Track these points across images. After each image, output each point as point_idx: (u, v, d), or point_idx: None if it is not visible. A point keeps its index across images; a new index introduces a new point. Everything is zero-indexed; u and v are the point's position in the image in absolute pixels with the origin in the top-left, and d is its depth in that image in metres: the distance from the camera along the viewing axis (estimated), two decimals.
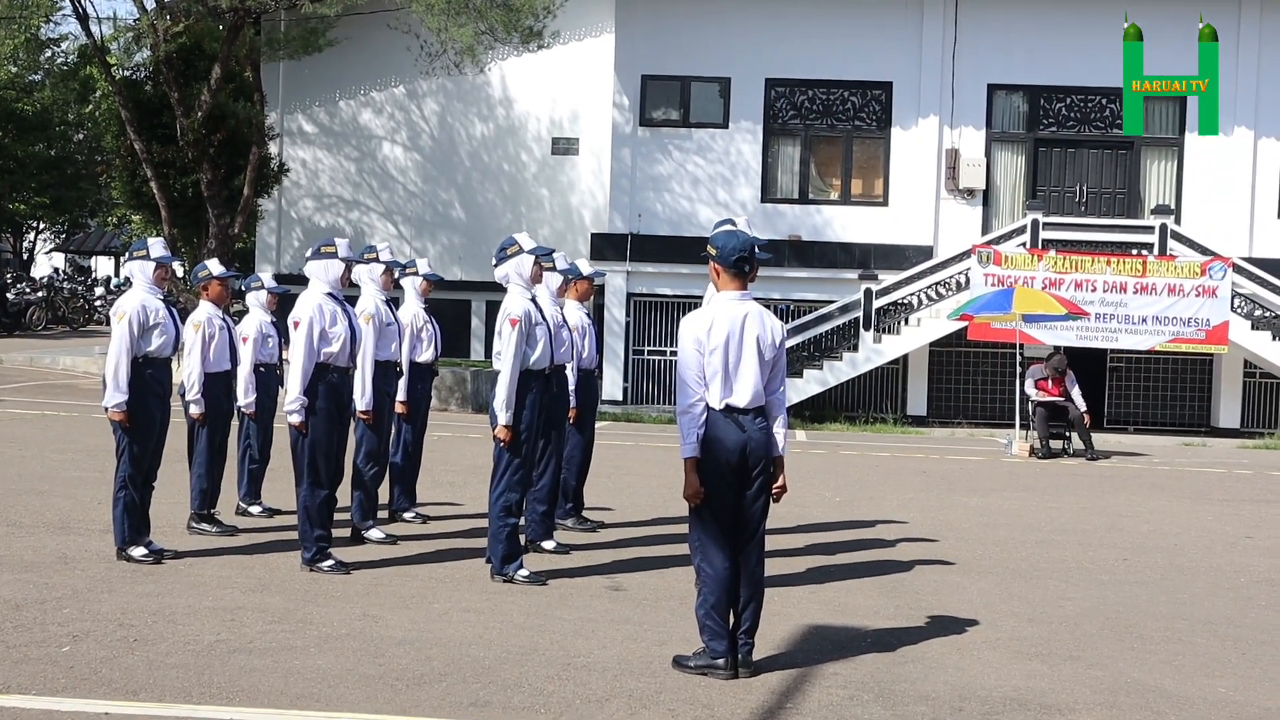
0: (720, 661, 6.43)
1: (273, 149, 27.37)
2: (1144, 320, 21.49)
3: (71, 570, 8.44)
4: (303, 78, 28.37)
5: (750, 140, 25.23)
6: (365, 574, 8.68)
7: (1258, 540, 11.64)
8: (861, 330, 22.68)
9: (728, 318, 6.50)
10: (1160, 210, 23.40)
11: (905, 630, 7.67)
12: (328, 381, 8.70)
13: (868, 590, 8.83)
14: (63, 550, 9.07)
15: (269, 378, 10.88)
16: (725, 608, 6.47)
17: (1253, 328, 22.11)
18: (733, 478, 6.44)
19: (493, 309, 28.96)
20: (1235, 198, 24.32)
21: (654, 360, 24.93)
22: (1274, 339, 22.06)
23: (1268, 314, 22.41)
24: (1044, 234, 22.83)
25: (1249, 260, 22.78)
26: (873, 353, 22.56)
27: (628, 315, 24.83)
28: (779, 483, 6.50)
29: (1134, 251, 22.62)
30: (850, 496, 13.40)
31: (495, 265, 8.79)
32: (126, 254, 9.45)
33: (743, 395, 6.45)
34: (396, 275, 10.61)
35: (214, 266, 10.70)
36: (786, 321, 22.33)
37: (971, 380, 23.67)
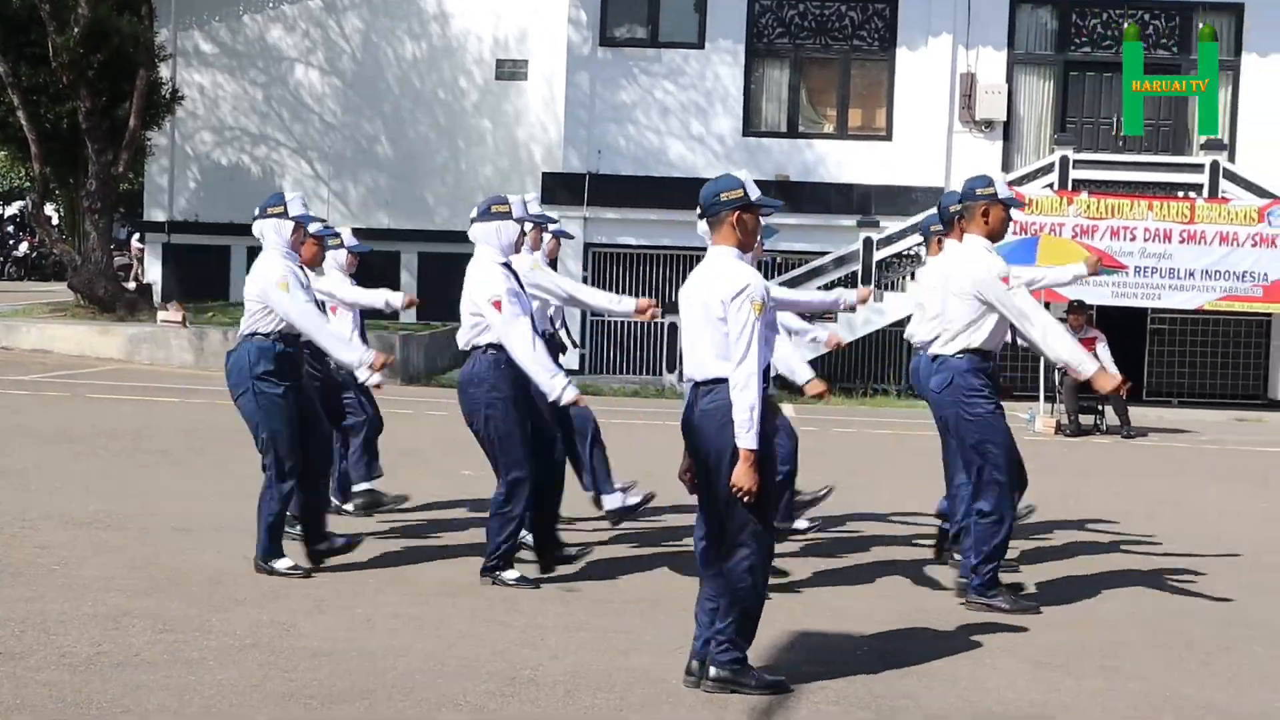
0: (690, 664, 6.56)
1: (164, 72, 27.24)
2: (1191, 274, 21.58)
3: None
4: None
5: (730, 63, 25.21)
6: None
7: None
8: (860, 285, 22.72)
9: (694, 275, 6.64)
10: (1211, 145, 23.51)
11: (907, 636, 7.74)
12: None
13: (863, 591, 8.90)
14: None
15: None
16: (703, 602, 6.57)
17: None
18: (695, 461, 6.53)
19: (427, 261, 28.94)
20: None
21: (615, 323, 24.89)
22: None
23: None
24: (1075, 173, 22.90)
25: None
26: (873, 313, 22.56)
27: (585, 269, 24.78)
28: (736, 478, 6.27)
29: (1180, 194, 22.72)
30: (845, 482, 13.44)
31: (475, 222, 8.71)
32: (257, 210, 9.16)
33: (688, 365, 6.56)
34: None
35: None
36: (771, 277, 22.33)
37: None
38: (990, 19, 24.83)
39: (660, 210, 24.09)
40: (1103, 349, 18.82)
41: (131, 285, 29.08)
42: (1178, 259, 21.54)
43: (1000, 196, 8.39)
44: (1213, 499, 13.35)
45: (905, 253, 23.03)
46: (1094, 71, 25.28)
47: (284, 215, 8.81)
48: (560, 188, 25.01)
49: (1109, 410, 19.07)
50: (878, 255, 22.80)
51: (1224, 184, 22.87)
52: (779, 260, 23.65)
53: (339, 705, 6.13)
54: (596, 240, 24.91)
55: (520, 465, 8.52)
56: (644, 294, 24.39)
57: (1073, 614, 8.46)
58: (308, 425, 8.82)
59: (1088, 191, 22.46)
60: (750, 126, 25.38)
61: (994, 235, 8.34)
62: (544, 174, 26.45)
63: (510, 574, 8.61)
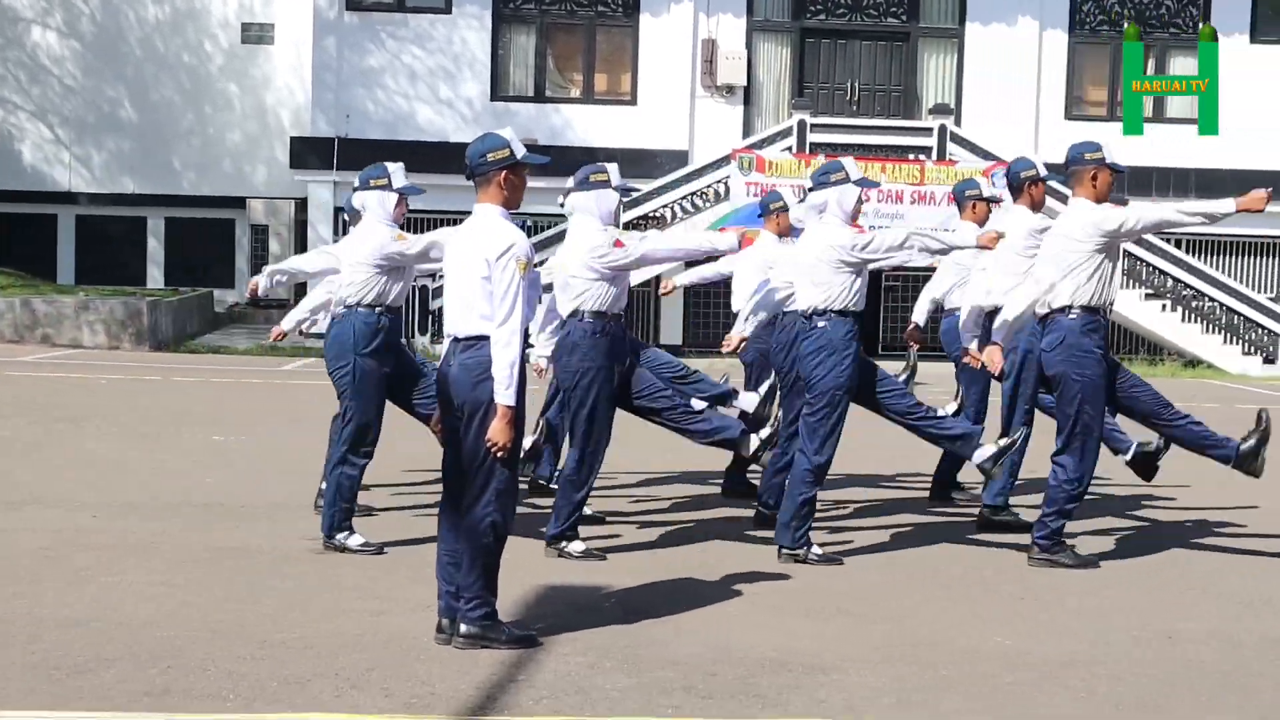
0: (440, 622, 6.57)
1: None
2: None
3: None
4: None
5: (477, 28, 25.08)
6: (30, 543, 8.42)
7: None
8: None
9: (460, 232, 6.65)
10: (939, 110, 24.23)
11: (655, 588, 7.81)
12: None
13: (612, 543, 8.94)
14: None
15: None
16: (441, 558, 6.57)
17: None
18: (447, 414, 6.51)
19: (175, 226, 28.24)
20: (1019, 97, 25.31)
21: None
22: None
23: None
24: (812, 137, 23.37)
25: None
26: None
27: (336, 233, 24.43)
28: (492, 433, 6.30)
29: (911, 156, 23.37)
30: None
31: (573, 191, 8.59)
32: (358, 181, 8.92)
33: (449, 321, 6.55)
34: None
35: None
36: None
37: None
38: None
39: (410, 174, 23.77)
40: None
41: None
42: (909, 218, 22.12)
43: (1108, 161, 8.49)
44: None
45: (652, 214, 23.20)
46: (829, 39, 25.79)
47: (388, 187, 8.67)
48: (309, 152, 24.64)
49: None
50: (625, 217, 22.88)
51: (951, 147, 23.60)
52: (530, 223, 23.57)
53: (87, 675, 5.93)
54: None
55: (599, 437, 8.47)
56: None
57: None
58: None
59: (824, 154, 22.91)
60: (498, 91, 25.30)
61: (1100, 199, 8.46)
62: (292, 138, 25.99)
63: (576, 545, 8.54)
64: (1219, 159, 23.67)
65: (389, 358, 8.55)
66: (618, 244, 8.38)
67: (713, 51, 25.03)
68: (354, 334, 8.41)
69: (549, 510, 8.71)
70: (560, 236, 22.54)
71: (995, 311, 9.22)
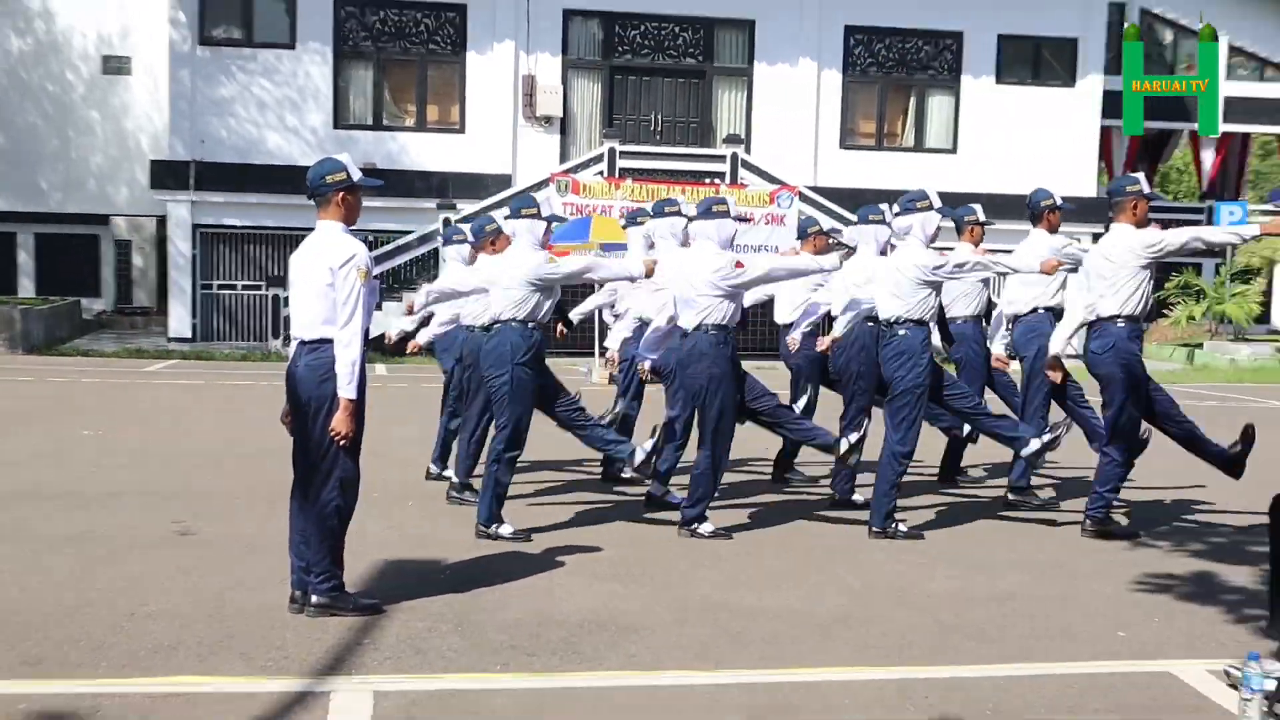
0: (293, 593, 6.54)
1: None
2: None
3: None
4: None
5: (320, 63, 24.76)
6: None
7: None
8: (441, 260, 22.75)
9: (305, 246, 6.55)
10: (731, 140, 24.54)
11: (485, 560, 7.84)
12: None
13: (446, 522, 8.96)
14: None
15: None
16: (293, 537, 6.55)
17: None
18: (295, 409, 6.48)
19: (43, 241, 27.45)
20: (801, 128, 25.76)
21: (224, 295, 24.19)
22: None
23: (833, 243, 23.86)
24: (621, 163, 23.53)
25: (814, 189, 24.20)
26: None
27: (194, 248, 23.96)
28: (335, 424, 6.30)
29: (707, 180, 23.64)
30: (432, 430, 13.47)
31: (696, 219, 8.72)
32: (509, 210, 8.75)
33: (296, 326, 6.48)
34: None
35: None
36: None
37: None
38: (547, 28, 25.14)
39: (261, 194, 23.57)
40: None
41: None
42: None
43: (1145, 193, 8.73)
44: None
45: None
46: (635, 75, 25.94)
47: (537, 216, 8.56)
48: (168, 174, 24.08)
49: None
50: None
51: (742, 172, 23.92)
52: (371, 238, 23.35)
53: None
54: (204, 222, 24.07)
55: (727, 436, 8.63)
56: (250, 270, 23.87)
57: (625, 534, 8.74)
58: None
59: (632, 178, 23.12)
60: (340, 120, 25.00)
61: (1140, 224, 8.70)
62: (152, 161, 25.37)
63: (706, 527, 8.64)
64: (967, 183, 24.38)
65: (541, 368, 8.57)
66: (738, 265, 8.56)
67: (532, 86, 25.03)
68: (511, 346, 8.37)
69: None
70: (400, 250, 22.49)
71: (1016, 318, 10.01)
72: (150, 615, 6.41)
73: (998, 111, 26.20)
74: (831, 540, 8.74)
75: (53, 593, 6.81)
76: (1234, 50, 29.39)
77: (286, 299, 20.78)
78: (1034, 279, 9.66)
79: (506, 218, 8.91)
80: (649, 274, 8.79)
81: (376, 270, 22.07)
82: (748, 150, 24.89)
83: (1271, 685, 5.11)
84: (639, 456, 8.74)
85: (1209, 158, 30.39)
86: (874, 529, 8.79)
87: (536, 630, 6.35)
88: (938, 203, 8.94)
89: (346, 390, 6.27)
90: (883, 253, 9.56)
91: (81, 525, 8.49)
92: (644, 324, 9.23)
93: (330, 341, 6.31)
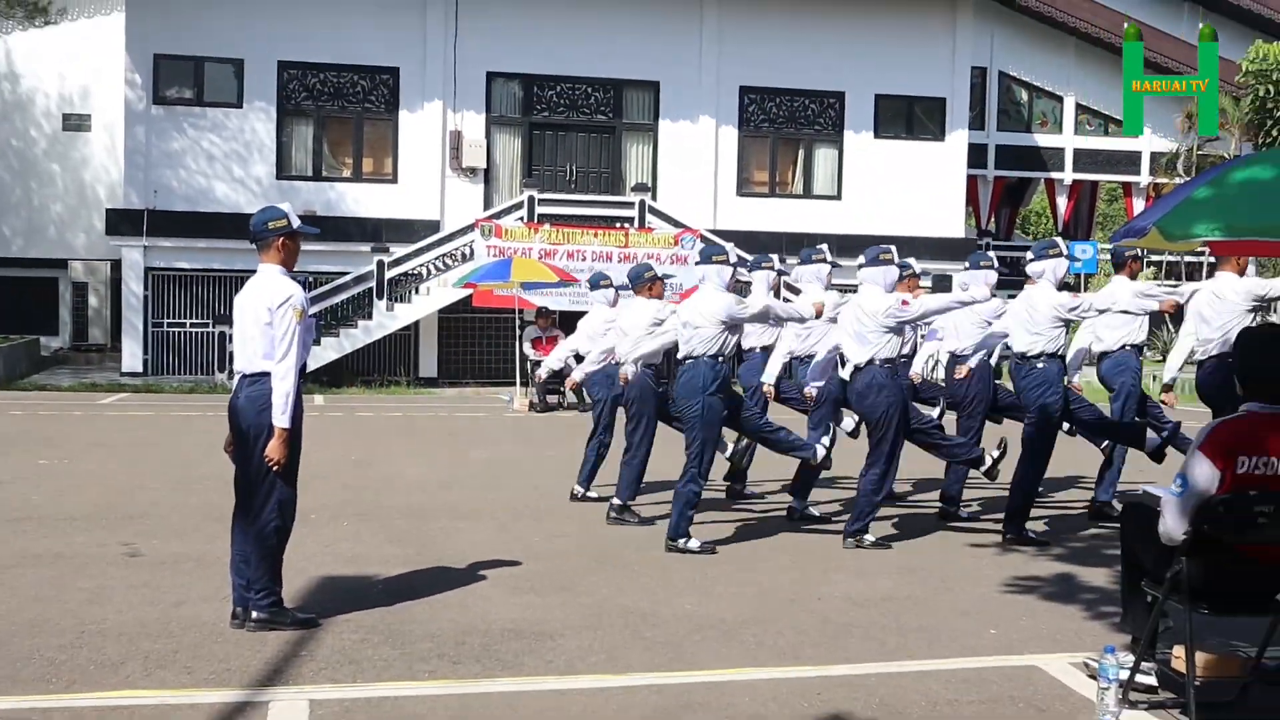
0: (234, 610, 6.36)
1: None
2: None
3: None
4: None
5: (265, 119, 24.45)
6: None
7: None
8: (375, 299, 22.56)
9: (247, 287, 6.42)
10: (639, 188, 24.56)
11: (414, 575, 7.70)
12: None
13: (379, 540, 8.80)
14: None
15: None
16: (234, 556, 6.38)
17: None
18: (236, 437, 6.32)
19: (4, 284, 26.83)
20: (701, 177, 25.82)
21: (174, 332, 23.73)
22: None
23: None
24: (539, 209, 23.45)
25: (714, 232, 24.20)
26: (386, 319, 22.49)
27: (146, 289, 23.51)
28: (269, 450, 6.17)
29: (618, 225, 23.63)
30: (366, 455, 13.31)
31: (864, 267, 8.85)
32: (700, 255, 8.90)
33: (238, 361, 6.35)
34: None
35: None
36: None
37: (477, 343, 24.05)
38: (472, 89, 25.01)
39: (210, 240, 23.22)
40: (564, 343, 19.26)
41: None
42: (617, 275, 22.21)
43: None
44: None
45: (410, 272, 22.95)
46: (552, 131, 25.86)
47: (725, 262, 8.66)
48: (123, 222, 23.61)
49: (568, 392, 19.52)
50: (389, 274, 22.68)
51: (650, 217, 23.93)
52: (310, 279, 23.04)
53: None
54: (156, 265, 23.60)
55: (896, 454, 8.81)
56: (198, 309, 23.48)
57: (541, 548, 8.63)
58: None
59: (550, 224, 23.05)
60: (283, 171, 24.67)
61: (1242, 271, 9.17)
62: (108, 210, 24.85)
63: (868, 538, 8.77)
64: (851, 226, 24.63)
65: (727, 397, 8.60)
66: (904, 304, 8.72)
67: (459, 140, 24.87)
68: (703, 379, 8.47)
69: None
70: (337, 289, 22.20)
71: (1104, 354, 10.16)
72: (101, 632, 6.21)
73: (877, 162, 26.44)
74: (733, 549, 8.68)
75: (8, 613, 6.58)
76: (1081, 108, 29.97)
77: (231, 336, 20.43)
78: (1119, 320, 9.90)
79: (697, 263, 9.04)
80: (818, 314, 9.00)
81: (314, 309, 21.83)
82: (654, 198, 24.91)
83: (1125, 675, 5.16)
84: (820, 453, 9.04)
85: (1063, 202, 30.82)
86: (1007, 535, 9.03)
87: (461, 639, 6.23)
88: (1066, 250, 9.29)
89: (280, 420, 6.14)
90: (827, 289, 9.92)
91: (37, 548, 8.24)
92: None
93: (267, 375, 6.18)
